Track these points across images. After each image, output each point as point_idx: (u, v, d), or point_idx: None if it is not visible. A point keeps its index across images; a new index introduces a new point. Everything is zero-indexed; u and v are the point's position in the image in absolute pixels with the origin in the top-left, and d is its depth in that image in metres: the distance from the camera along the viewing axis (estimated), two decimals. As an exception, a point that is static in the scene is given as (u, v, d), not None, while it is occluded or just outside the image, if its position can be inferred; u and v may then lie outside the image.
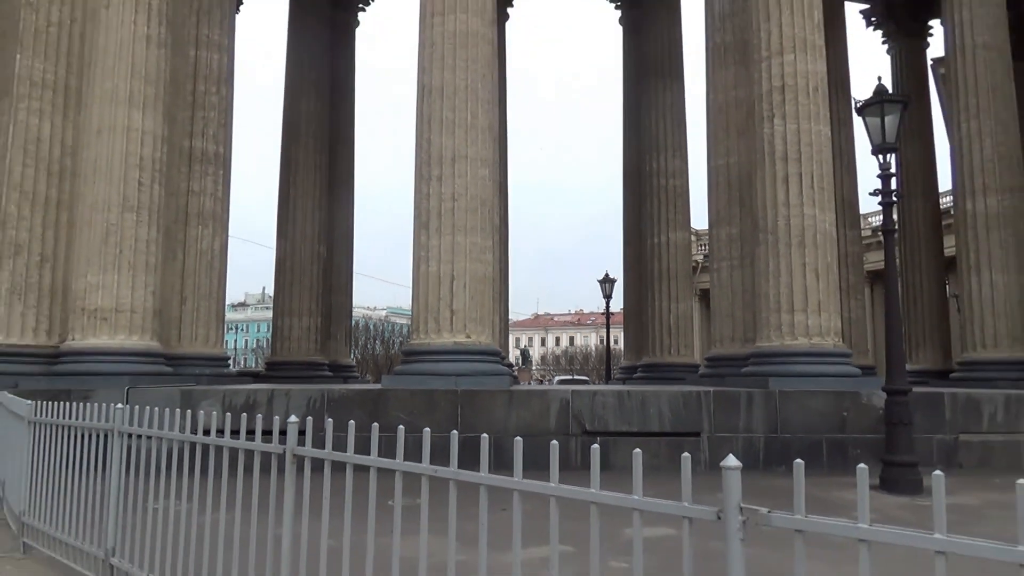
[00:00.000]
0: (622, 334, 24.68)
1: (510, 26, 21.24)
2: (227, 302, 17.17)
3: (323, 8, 20.27)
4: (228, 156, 14.65)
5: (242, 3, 20.99)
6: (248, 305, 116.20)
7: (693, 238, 30.35)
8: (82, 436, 5.09)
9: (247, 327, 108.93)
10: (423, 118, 12.20)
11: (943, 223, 20.64)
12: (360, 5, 22.25)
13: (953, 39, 15.36)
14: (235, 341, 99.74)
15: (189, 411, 4.36)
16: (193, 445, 4.18)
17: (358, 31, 22.39)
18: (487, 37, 12.53)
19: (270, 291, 22.67)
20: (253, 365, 75.47)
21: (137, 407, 4.70)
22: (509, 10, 21.22)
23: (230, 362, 18.59)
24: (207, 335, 13.79)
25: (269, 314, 22.49)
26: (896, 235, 12.49)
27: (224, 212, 14.43)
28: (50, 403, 5.53)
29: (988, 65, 14.87)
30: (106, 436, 4.89)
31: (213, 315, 13.97)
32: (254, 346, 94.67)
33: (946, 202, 23.03)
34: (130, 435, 4.71)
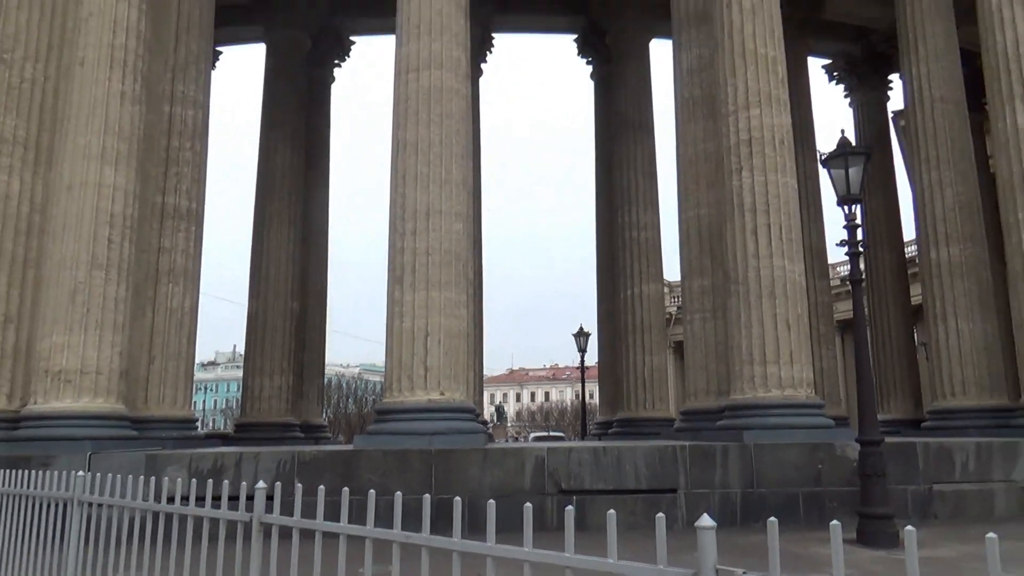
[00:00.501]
0: (597, 388, 24.58)
1: (484, 81, 21.63)
2: (196, 361, 16.85)
3: (299, 64, 20.52)
4: (201, 212, 14.57)
5: (218, 60, 21.26)
6: (218, 364, 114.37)
7: (666, 290, 30.60)
8: (40, 506, 4.90)
9: (216, 387, 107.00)
10: (398, 173, 12.27)
11: (909, 272, 21.05)
12: (336, 62, 22.61)
13: (912, 93, 15.89)
14: (204, 401, 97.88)
15: (153, 477, 4.22)
16: (156, 514, 4.03)
17: (333, 86, 22.74)
18: (461, 93, 12.72)
19: (241, 349, 22.36)
20: (222, 426, 74.05)
21: (98, 474, 4.53)
22: (483, 66, 21.63)
23: (198, 424, 18.15)
24: (175, 396, 13.48)
25: (239, 373, 22.08)
26: (864, 285, 12.69)
27: (196, 269, 14.28)
28: (6, 471, 5.32)
29: (946, 117, 15.36)
30: (65, 505, 4.70)
31: (182, 375, 13.69)
32: (223, 407, 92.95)
33: (911, 251, 23.53)
34: (90, 504, 4.53)
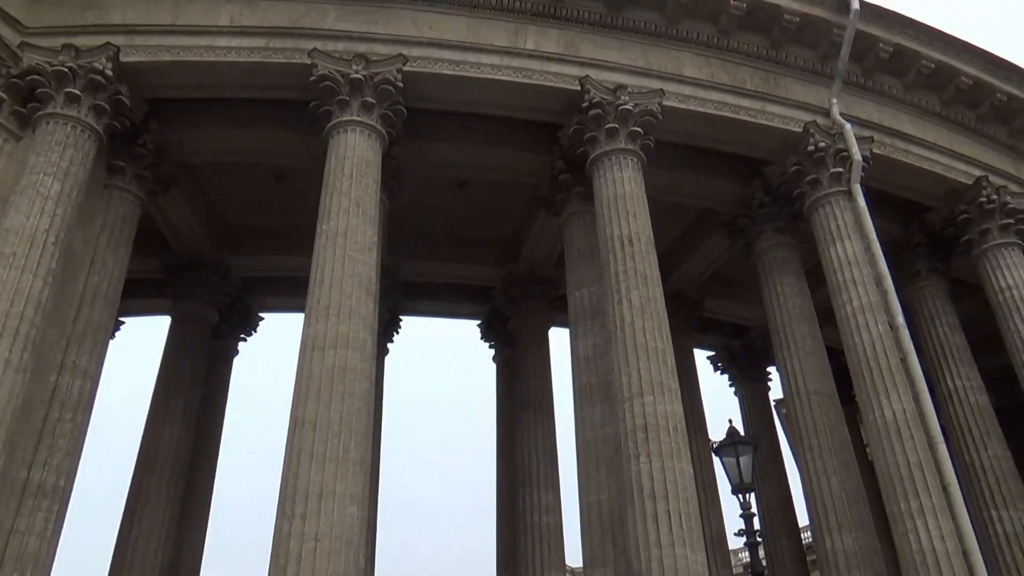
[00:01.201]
0: None
1: (389, 359, 22.02)
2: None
3: (203, 337, 20.36)
4: (68, 489, 13.32)
5: (119, 328, 20.96)
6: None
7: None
8: None
9: None
10: (293, 451, 11.82)
11: (808, 559, 21.02)
12: (242, 336, 22.67)
13: (789, 385, 17.06)
14: None
15: None
16: None
17: (236, 359, 22.55)
18: (366, 372, 12.81)
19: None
20: None
21: None
22: (389, 345, 22.18)
23: None
24: None
25: None
26: (766, 574, 12.57)
27: (49, 555, 12.68)
28: None
29: (822, 409, 16.39)
30: None
31: None
32: None
33: (807, 536, 23.75)
34: None
